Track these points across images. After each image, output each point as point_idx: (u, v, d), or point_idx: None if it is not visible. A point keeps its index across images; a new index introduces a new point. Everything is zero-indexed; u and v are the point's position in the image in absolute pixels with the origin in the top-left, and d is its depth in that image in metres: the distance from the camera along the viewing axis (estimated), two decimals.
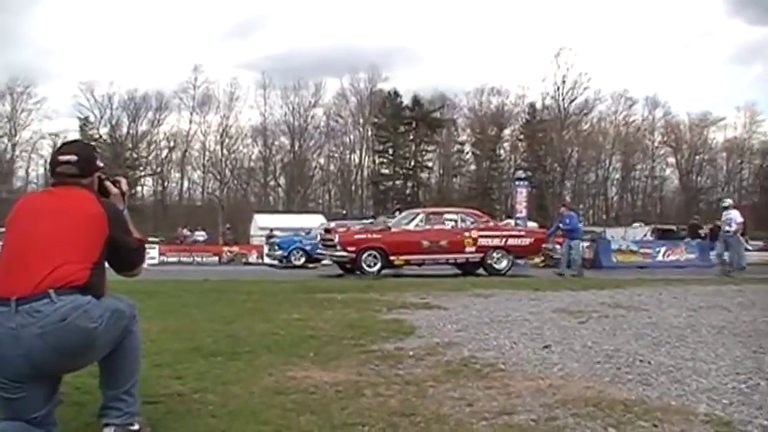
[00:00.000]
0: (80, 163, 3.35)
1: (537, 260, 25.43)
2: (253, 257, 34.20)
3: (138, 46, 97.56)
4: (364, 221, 26.76)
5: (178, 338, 6.21)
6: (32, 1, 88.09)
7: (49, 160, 3.33)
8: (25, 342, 2.85)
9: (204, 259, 33.81)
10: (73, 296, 2.96)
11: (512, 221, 26.93)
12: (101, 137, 65.01)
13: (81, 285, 3.01)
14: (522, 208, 26.56)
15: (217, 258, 34.19)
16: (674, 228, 37.55)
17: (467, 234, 19.07)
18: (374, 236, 18.90)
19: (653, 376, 4.82)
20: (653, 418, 3.70)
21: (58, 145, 3.69)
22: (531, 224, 26.75)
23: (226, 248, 36.02)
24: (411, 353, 5.66)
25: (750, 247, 28.96)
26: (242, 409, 3.87)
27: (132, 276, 3.42)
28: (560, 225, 19.84)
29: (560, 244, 19.99)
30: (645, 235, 36.36)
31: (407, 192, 71.92)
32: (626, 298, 10.37)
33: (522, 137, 74.90)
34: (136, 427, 3.24)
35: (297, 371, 4.89)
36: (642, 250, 26.89)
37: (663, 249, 26.96)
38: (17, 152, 66.24)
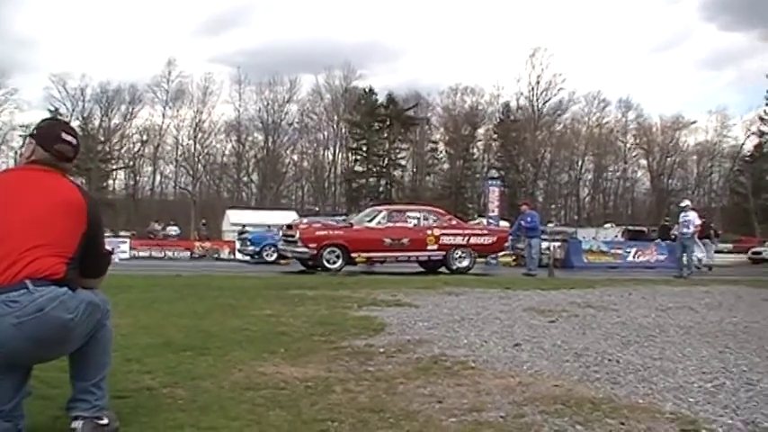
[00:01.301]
0: (76, 149, 3.34)
1: (509, 259, 25.57)
2: (225, 253, 34.03)
3: (111, 39, 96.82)
4: (337, 219, 26.69)
5: (148, 333, 6.17)
6: None
7: (44, 131, 3.32)
8: (1, 332, 2.84)
9: (176, 254, 33.56)
10: (50, 287, 2.95)
11: (484, 221, 27.01)
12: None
13: (58, 279, 3.01)
14: (494, 207, 26.60)
15: (188, 253, 33.97)
16: (644, 229, 37.93)
17: (429, 232, 19.02)
18: (335, 232, 18.73)
19: (621, 375, 4.87)
20: (620, 416, 3.74)
21: (54, 119, 3.51)
22: (504, 223, 26.85)
23: (198, 244, 35.80)
24: (381, 350, 5.68)
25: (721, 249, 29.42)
26: (211, 403, 3.85)
27: (91, 286, 3.31)
28: (522, 223, 20.03)
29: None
30: (616, 236, 36.71)
31: (380, 189, 71.97)
32: (596, 298, 10.46)
33: (495, 136, 75.22)
34: (105, 420, 3.20)
35: (267, 366, 4.88)
36: (613, 251, 27.06)
37: (633, 250, 27.15)
38: None
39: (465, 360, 5.33)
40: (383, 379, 4.58)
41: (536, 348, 5.95)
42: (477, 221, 29.23)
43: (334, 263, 18.04)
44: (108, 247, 3.51)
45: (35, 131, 3.36)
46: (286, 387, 4.29)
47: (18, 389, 3.03)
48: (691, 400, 4.19)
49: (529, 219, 19.72)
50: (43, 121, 3.44)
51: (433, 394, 4.20)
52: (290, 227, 20.60)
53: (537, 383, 4.54)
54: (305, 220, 24.20)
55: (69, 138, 3.31)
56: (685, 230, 19.12)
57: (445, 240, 19.07)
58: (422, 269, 19.20)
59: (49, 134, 3.30)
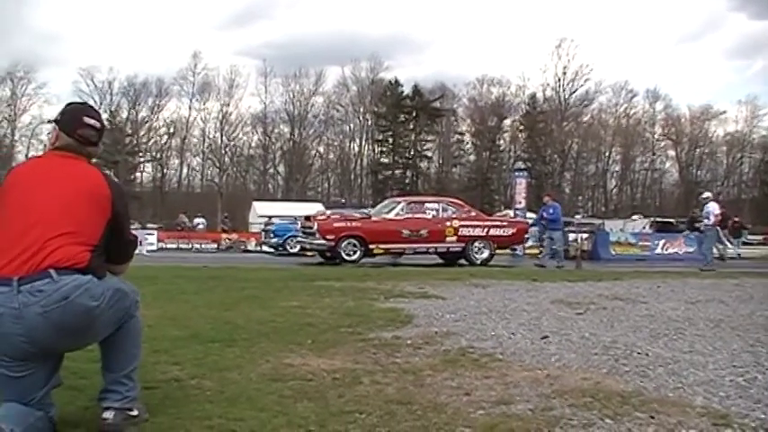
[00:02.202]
0: (100, 132, 3.31)
1: (535, 251, 25.44)
2: (251, 245, 34.18)
3: (138, 32, 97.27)
4: (363, 211, 26.69)
5: (176, 325, 6.21)
6: None
7: (67, 117, 3.26)
8: (27, 321, 2.85)
9: (203, 246, 33.77)
10: (74, 276, 2.95)
11: (511, 212, 26.87)
12: None
13: (82, 267, 2.99)
14: (521, 199, 26.43)
15: (215, 245, 34.17)
16: (672, 221, 37.57)
17: (448, 224, 18.92)
18: (353, 224, 18.63)
19: (650, 368, 4.81)
20: (650, 410, 3.69)
21: (77, 103, 3.45)
22: (531, 215, 26.70)
23: (225, 236, 35.99)
24: (408, 341, 5.66)
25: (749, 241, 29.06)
26: (239, 395, 3.86)
27: (118, 272, 3.33)
28: (544, 214, 19.85)
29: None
30: (644, 227, 36.41)
31: (407, 181, 71.86)
32: (624, 290, 10.38)
33: (522, 128, 74.86)
34: (135, 412, 3.20)
35: (294, 358, 4.88)
36: (641, 243, 26.84)
37: (661, 242, 26.92)
38: (17, 137, 66.46)
39: (492, 352, 5.30)
40: (410, 371, 4.57)
41: (564, 341, 5.91)
42: (503, 213, 29.10)
43: (353, 254, 18.06)
44: (133, 234, 3.48)
45: (58, 117, 3.31)
46: (313, 378, 4.29)
47: (49, 377, 3.05)
48: (722, 394, 4.12)
49: (551, 210, 19.54)
50: (67, 106, 3.38)
51: (461, 387, 4.18)
52: (308, 218, 20.42)
53: (565, 376, 4.51)
54: (328, 212, 24.21)
55: (92, 121, 3.26)
56: (705, 221, 19.39)
57: (464, 232, 18.98)
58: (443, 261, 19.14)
59: (71, 119, 3.26)
